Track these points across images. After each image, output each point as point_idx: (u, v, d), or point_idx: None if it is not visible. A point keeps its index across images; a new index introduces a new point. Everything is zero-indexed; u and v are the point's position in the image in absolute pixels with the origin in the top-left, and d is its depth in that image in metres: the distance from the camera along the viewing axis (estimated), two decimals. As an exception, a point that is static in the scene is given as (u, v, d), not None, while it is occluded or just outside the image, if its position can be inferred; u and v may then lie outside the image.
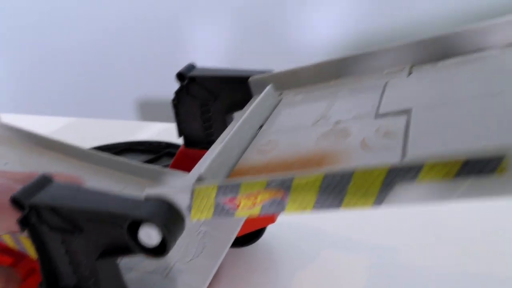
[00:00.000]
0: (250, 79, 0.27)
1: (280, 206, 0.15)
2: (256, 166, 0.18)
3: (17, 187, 0.18)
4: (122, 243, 0.17)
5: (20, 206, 0.18)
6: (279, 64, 0.55)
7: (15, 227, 0.18)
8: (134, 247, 0.16)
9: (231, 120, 0.30)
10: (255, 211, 0.15)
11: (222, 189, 0.15)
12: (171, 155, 0.49)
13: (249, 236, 0.32)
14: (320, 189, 0.14)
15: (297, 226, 0.34)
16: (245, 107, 0.26)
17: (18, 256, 0.25)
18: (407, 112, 0.18)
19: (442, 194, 0.12)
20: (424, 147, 0.15)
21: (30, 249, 0.23)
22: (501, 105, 0.16)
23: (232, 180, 0.15)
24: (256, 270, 0.31)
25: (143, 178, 0.31)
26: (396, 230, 0.33)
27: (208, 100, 0.29)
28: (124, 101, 0.71)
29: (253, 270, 0.31)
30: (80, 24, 0.66)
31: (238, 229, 0.25)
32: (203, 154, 0.24)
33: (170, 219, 0.16)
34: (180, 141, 0.33)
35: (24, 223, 0.18)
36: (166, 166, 0.42)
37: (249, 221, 0.26)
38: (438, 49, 0.22)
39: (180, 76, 0.29)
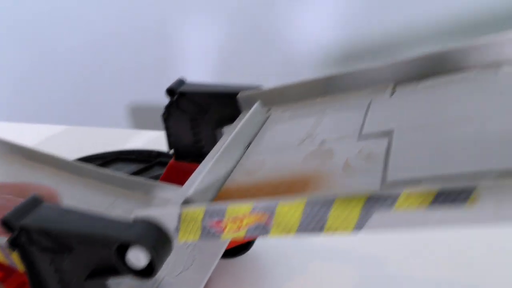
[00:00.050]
0: (239, 95, 0.27)
1: (264, 230, 0.15)
2: (243, 187, 0.19)
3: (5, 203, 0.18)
4: (111, 264, 0.17)
5: (10, 228, 0.18)
6: (273, 66, 0.55)
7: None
8: (122, 268, 0.17)
9: (220, 134, 0.31)
10: (241, 234, 0.16)
11: (208, 213, 0.16)
12: (162, 164, 0.49)
13: (238, 248, 0.33)
14: (303, 214, 0.14)
15: (286, 238, 0.35)
16: (234, 123, 0.27)
17: (7, 271, 0.25)
18: (389, 134, 0.19)
19: (417, 222, 0.13)
20: (403, 172, 0.16)
21: (19, 264, 0.24)
22: (478, 130, 0.17)
23: (219, 204, 0.16)
24: (245, 282, 0.31)
25: (133, 192, 0.32)
26: (385, 240, 0.34)
27: (198, 114, 0.30)
28: (116, 108, 0.71)
29: (242, 282, 0.31)
30: (69, 31, 0.66)
31: (228, 241, 0.26)
32: (193, 167, 0.24)
33: (158, 241, 0.16)
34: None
35: (14, 244, 0.18)
36: (158, 176, 0.42)
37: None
38: (419, 69, 0.23)
39: (170, 91, 0.29)
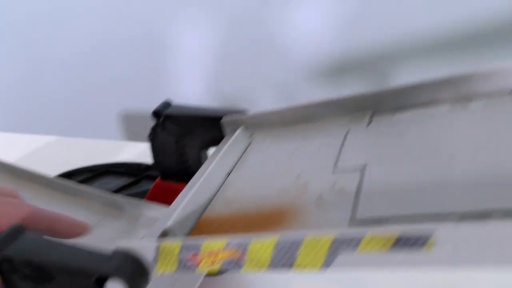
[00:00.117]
0: (223, 120, 0.28)
1: (237, 265, 0.16)
2: (221, 217, 0.20)
3: None
4: (90, 294, 0.18)
5: (-8, 257, 0.18)
6: (268, 72, 0.55)
7: None
8: (102, 299, 0.17)
9: (206, 155, 0.32)
10: (215, 268, 0.16)
11: (185, 247, 0.16)
12: (150, 178, 0.50)
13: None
14: (274, 252, 0.15)
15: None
16: (218, 148, 0.27)
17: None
18: (362, 168, 0.19)
19: (380, 263, 0.14)
20: (372, 210, 0.16)
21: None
22: (445, 169, 0.17)
23: (194, 239, 0.16)
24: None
25: (119, 211, 0.32)
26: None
27: (184, 136, 0.30)
28: (108, 118, 0.71)
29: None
30: (59, 40, 0.66)
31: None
32: (179, 187, 0.25)
33: (136, 273, 0.17)
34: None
35: (-4, 272, 0.19)
36: (145, 191, 0.43)
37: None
38: (395, 100, 0.24)
39: (156, 114, 0.30)
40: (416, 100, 0.23)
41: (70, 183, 0.33)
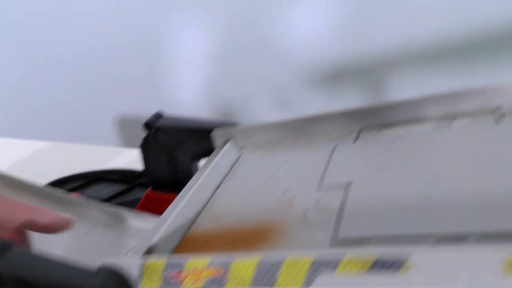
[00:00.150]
0: (213, 133, 0.28)
1: (220, 283, 0.16)
2: (207, 234, 0.20)
3: None
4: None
5: (-21, 272, 0.18)
6: (266, 75, 0.55)
7: None
8: (87, 314, 0.17)
9: (196, 167, 0.32)
10: (199, 285, 0.16)
11: (169, 265, 0.17)
12: (143, 185, 0.50)
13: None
14: (256, 271, 0.15)
15: None
16: (208, 160, 0.27)
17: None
18: (346, 186, 0.20)
19: (358, 285, 0.14)
20: (354, 230, 0.17)
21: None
22: (426, 189, 0.18)
23: (179, 257, 0.17)
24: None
25: (110, 220, 0.32)
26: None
27: (175, 148, 0.31)
28: (102, 125, 0.71)
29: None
30: (54, 45, 0.65)
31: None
32: (169, 197, 0.25)
33: (121, 290, 0.17)
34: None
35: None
36: (138, 199, 0.43)
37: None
38: (382, 117, 0.24)
39: (147, 125, 0.30)
40: (402, 117, 0.24)
41: (60, 192, 0.33)
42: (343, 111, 0.25)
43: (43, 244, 0.30)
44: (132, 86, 0.66)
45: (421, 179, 0.18)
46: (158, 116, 0.31)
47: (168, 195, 0.33)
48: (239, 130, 0.28)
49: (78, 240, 0.30)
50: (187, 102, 0.63)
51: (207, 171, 0.25)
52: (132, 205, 0.36)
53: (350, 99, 0.55)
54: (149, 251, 0.18)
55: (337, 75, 0.53)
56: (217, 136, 0.28)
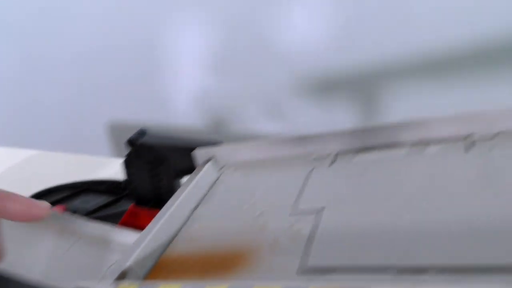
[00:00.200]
0: (195, 151, 0.29)
1: (190, 310, 0.16)
2: (182, 256, 0.20)
3: None
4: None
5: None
6: (260, 82, 0.55)
7: None
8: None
9: (179, 184, 0.32)
10: (169, 311, 0.17)
11: (140, 290, 0.17)
12: (130, 197, 0.50)
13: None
14: (223, 299, 0.16)
15: None
16: (187, 180, 0.28)
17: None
18: (318, 212, 0.20)
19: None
20: (322, 259, 0.17)
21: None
22: (394, 218, 0.18)
23: (150, 283, 0.17)
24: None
25: (91, 236, 0.32)
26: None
27: (157, 165, 0.31)
28: (92, 132, 0.70)
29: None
30: (42, 49, 0.64)
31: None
32: (152, 213, 0.25)
33: (93, 314, 0.17)
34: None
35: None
36: (124, 211, 0.43)
37: None
38: (358, 141, 0.25)
39: (131, 142, 0.31)
40: (378, 142, 0.24)
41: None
42: (322, 134, 0.26)
43: (23, 260, 0.30)
44: (123, 93, 0.65)
45: (389, 208, 0.19)
46: (141, 133, 0.31)
47: (151, 211, 0.33)
48: (220, 149, 0.28)
49: (58, 256, 0.31)
50: (179, 109, 0.62)
51: (186, 191, 0.25)
52: (118, 217, 0.37)
53: (344, 110, 0.55)
54: (122, 275, 0.18)
55: (332, 85, 0.53)
56: (198, 155, 0.29)
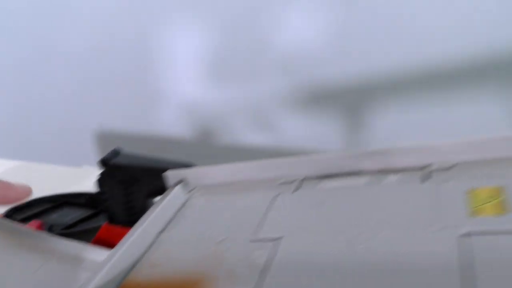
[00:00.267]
0: (166, 173, 0.29)
1: None
2: (142, 283, 0.21)
3: None
4: None
5: None
6: (255, 82, 0.56)
7: None
8: None
9: (152, 203, 0.32)
10: None
11: (95, 319, 0.17)
12: (109, 211, 0.50)
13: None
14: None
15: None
16: (155, 204, 0.28)
17: None
18: (276, 241, 0.21)
19: None
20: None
21: None
22: (345, 250, 0.19)
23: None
24: None
25: (63, 254, 0.33)
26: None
27: (130, 185, 0.31)
28: (77, 141, 0.69)
29: None
30: (22, 51, 0.63)
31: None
32: (125, 232, 0.26)
33: None
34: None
35: None
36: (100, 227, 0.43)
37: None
38: (322, 168, 0.25)
39: (104, 162, 0.31)
40: (342, 169, 0.25)
41: (14, 224, 0.33)
42: (289, 159, 0.27)
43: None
44: (109, 101, 0.64)
45: (344, 238, 0.19)
46: (115, 153, 0.32)
47: (124, 229, 0.34)
48: (191, 172, 0.29)
49: (29, 275, 0.31)
50: (167, 118, 0.62)
51: (154, 214, 0.25)
52: (95, 232, 0.37)
53: (332, 123, 0.55)
54: (80, 302, 0.19)
55: (321, 97, 0.53)
56: (170, 176, 0.29)
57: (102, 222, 0.48)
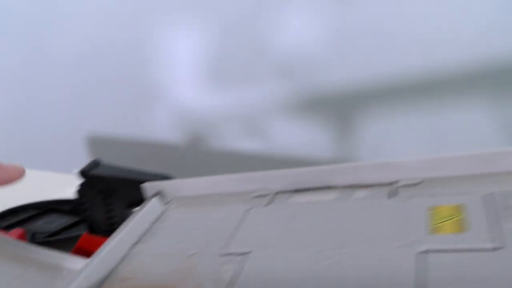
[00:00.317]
0: (143, 185, 0.30)
1: None
2: (112, 296, 0.21)
3: None
4: None
5: None
6: (248, 90, 0.56)
7: None
8: None
9: (131, 213, 0.33)
10: None
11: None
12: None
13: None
14: None
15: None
16: (131, 216, 0.28)
17: None
18: (244, 255, 0.21)
19: None
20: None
21: None
22: (312, 266, 0.19)
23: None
24: None
25: (43, 263, 0.33)
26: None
27: (109, 196, 0.32)
28: (68, 147, 0.69)
29: None
30: (15, 50, 0.62)
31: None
32: (103, 241, 0.26)
33: None
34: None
35: None
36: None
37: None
38: (295, 182, 0.26)
39: (83, 173, 0.31)
40: (313, 184, 0.26)
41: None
42: (263, 173, 0.27)
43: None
44: (100, 105, 0.64)
45: (310, 254, 0.20)
46: (95, 163, 0.32)
47: (104, 238, 0.34)
48: (168, 184, 0.29)
49: (7, 284, 0.31)
50: (161, 123, 0.62)
51: (129, 225, 0.26)
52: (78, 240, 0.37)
53: (324, 130, 0.55)
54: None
55: (315, 104, 0.54)
56: (147, 188, 0.30)
57: (85, 230, 0.48)
